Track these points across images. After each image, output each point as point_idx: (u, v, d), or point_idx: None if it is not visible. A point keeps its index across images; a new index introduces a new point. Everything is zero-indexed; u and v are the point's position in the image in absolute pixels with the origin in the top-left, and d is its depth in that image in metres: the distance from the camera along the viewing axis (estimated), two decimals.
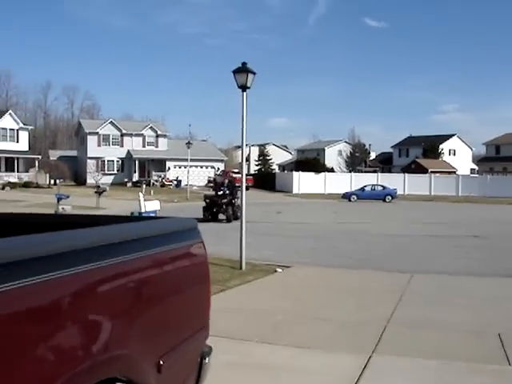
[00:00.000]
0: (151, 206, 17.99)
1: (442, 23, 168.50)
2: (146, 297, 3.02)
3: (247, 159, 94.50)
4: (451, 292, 11.65)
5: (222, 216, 29.03)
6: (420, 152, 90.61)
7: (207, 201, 29.67)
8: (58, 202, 29.14)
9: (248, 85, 14.03)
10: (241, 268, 13.89)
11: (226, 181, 30.60)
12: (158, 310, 3.11)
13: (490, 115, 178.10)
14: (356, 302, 10.50)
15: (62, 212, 25.97)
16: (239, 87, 14.07)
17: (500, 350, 7.43)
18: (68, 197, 30.81)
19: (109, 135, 74.35)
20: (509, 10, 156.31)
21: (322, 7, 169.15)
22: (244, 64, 14.01)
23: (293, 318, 9.11)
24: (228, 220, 28.18)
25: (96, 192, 38.45)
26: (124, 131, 74.63)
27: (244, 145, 14.72)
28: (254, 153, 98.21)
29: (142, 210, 17.05)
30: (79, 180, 71.56)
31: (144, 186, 56.85)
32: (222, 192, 29.15)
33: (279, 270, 14.04)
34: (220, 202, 28.84)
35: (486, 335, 8.19)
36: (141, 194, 17.00)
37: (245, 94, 14.13)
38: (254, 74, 14.13)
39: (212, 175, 75.10)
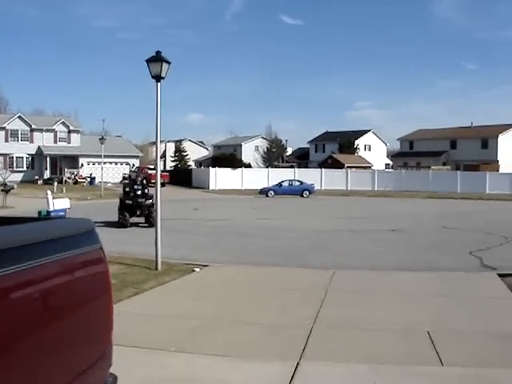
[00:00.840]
0: (60, 204, 16.90)
1: (356, 23, 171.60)
2: (20, 324, 2.26)
3: (163, 155, 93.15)
4: (375, 288, 11.35)
5: (136, 219, 24.48)
6: (336, 147, 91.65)
7: (128, 202, 24.20)
8: None
9: (162, 75, 13.29)
10: (157, 268, 13.14)
11: (139, 178, 25.80)
12: (36, 343, 2.34)
13: (401, 112, 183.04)
14: (279, 302, 9.98)
15: None
16: (153, 77, 13.30)
17: (431, 349, 7.09)
18: None
19: (17, 130, 71.00)
20: (418, 10, 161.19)
21: (238, 3, 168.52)
22: (158, 53, 13.25)
23: (212, 323, 8.47)
24: (151, 225, 22.80)
25: (2, 190, 36.36)
26: (34, 126, 71.49)
27: (159, 138, 13.94)
28: (170, 149, 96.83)
29: (51, 209, 15.97)
30: None
31: (56, 183, 54.79)
32: (140, 191, 24.56)
33: (197, 269, 13.39)
34: (144, 204, 24.10)
35: (415, 334, 7.85)
36: (49, 192, 15.89)
37: (159, 84, 13.39)
38: (169, 63, 13.41)
39: (127, 172, 73.34)
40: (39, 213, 15.97)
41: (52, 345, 2.45)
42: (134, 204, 24.10)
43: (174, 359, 6.69)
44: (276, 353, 6.93)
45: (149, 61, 13.24)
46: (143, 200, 24.24)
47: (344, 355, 6.85)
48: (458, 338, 7.67)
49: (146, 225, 23.97)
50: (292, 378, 6.00)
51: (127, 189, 25.35)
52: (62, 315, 2.57)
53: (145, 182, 25.83)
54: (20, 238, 2.43)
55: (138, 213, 24.28)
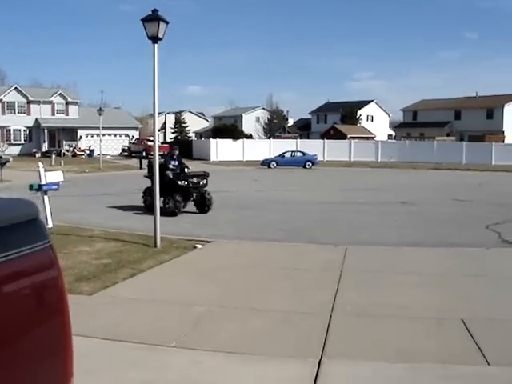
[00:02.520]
0: (53, 177, 15.90)
1: None
2: None
3: (163, 127, 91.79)
4: (393, 267, 10.39)
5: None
6: (338, 118, 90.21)
7: (181, 183, 18.64)
8: None
9: (160, 35, 12.15)
10: (156, 245, 12.17)
11: (176, 152, 19.71)
12: None
13: (403, 83, 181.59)
14: (291, 284, 9.02)
15: None
16: (149, 38, 12.16)
17: (471, 343, 6.14)
18: None
19: (14, 102, 69.65)
20: None
21: None
22: (155, 11, 12.13)
23: (218, 310, 7.50)
24: (204, 210, 19.20)
25: None
26: (31, 98, 70.13)
27: (156, 102, 12.81)
28: (170, 121, 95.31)
29: (43, 182, 14.99)
30: None
31: (54, 156, 53.64)
32: (187, 169, 19.68)
33: (199, 245, 12.44)
34: (201, 185, 19.16)
35: (448, 323, 6.90)
36: (40, 164, 14.89)
37: (156, 46, 12.26)
38: (167, 23, 12.26)
39: (126, 144, 72.25)
40: (30, 186, 14.99)
41: None
42: (191, 185, 18.86)
43: (175, 358, 5.72)
44: (293, 348, 5.99)
45: (145, 20, 12.10)
46: (199, 180, 19.22)
47: (372, 351, 5.91)
48: (497, 328, 6.72)
49: (198, 211, 19.27)
50: (315, 380, 5.05)
51: (170, 165, 19.11)
52: None
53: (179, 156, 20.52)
54: None
55: (195, 196, 19.36)
